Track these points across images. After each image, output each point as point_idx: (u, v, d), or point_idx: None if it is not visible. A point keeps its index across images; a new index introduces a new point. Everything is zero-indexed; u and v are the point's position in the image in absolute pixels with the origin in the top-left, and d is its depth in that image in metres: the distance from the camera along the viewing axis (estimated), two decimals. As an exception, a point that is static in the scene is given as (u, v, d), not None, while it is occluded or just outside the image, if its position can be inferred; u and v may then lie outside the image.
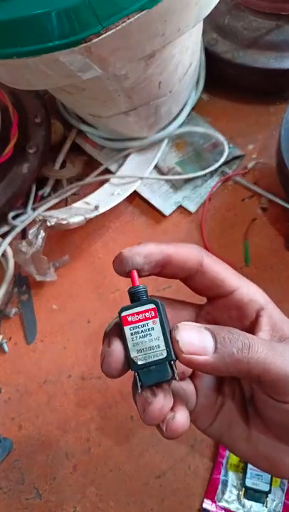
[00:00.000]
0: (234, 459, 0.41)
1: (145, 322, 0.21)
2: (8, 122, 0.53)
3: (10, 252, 0.52)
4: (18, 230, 0.54)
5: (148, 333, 0.21)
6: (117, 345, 0.22)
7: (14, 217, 0.55)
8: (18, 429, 0.46)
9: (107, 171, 0.58)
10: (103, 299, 0.51)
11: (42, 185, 0.58)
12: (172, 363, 0.21)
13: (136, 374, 0.21)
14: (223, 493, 0.39)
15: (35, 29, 0.31)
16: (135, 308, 0.22)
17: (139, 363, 0.21)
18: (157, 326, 0.21)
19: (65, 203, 0.57)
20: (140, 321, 0.22)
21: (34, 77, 0.36)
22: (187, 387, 0.25)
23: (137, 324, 0.21)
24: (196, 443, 0.42)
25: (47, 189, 0.58)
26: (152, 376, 0.21)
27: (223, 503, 0.39)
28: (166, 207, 0.54)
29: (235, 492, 0.39)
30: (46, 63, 0.34)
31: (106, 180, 0.56)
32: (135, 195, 0.55)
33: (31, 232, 0.48)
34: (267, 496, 0.39)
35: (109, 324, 0.23)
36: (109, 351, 0.22)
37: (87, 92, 0.44)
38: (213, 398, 0.26)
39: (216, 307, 0.26)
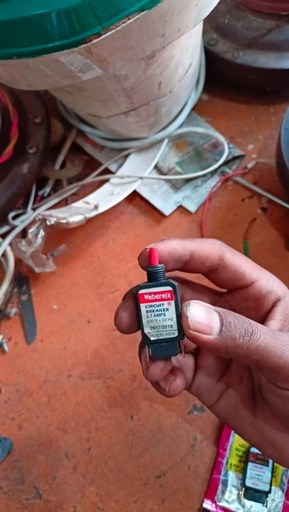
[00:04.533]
0: (234, 459, 0.41)
1: (161, 302, 0.23)
2: (8, 122, 0.53)
3: (10, 252, 0.52)
4: (18, 230, 0.54)
5: (162, 312, 0.23)
6: (131, 304, 0.24)
7: (14, 217, 0.56)
8: (18, 429, 0.46)
9: (107, 171, 0.58)
10: (103, 299, 0.51)
11: (42, 185, 0.58)
12: (181, 342, 0.23)
13: (147, 347, 0.23)
14: (223, 493, 0.39)
15: (35, 30, 0.31)
16: (153, 288, 0.23)
17: (152, 338, 0.23)
18: (172, 308, 0.23)
19: (65, 202, 0.57)
20: (156, 300, 0.23)
21: (34, 77, 0.36)
22: (186, 360, 0.27)
23: (153, 303, 0.23)
24: (196, 443, 0.43)
25: (47, 189, 0.58)
26: (162, 351, 0.23)
27: (223, 503, 0.39)
28: (166, 207, 0.54)
29: (235, 492, 0.39)
30: (46, 64, 0.34)
31: (106, 180, 0.56)
32: (135, 195, 0.55)
33: (31, 231, 0.48)
34: (267, 496, 0.39)
35: (130, 289, 0.25)
36: (124, 307, 0.24)
37: (87, 92, 0.44)
38: (215, 377, 0.27)
39: (235, 297, 0.27)
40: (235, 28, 0.54)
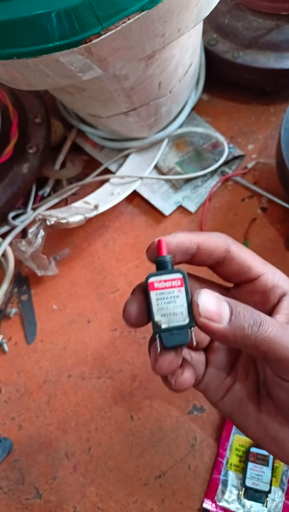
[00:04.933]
0: (234, 459, 0.41)
1: (171, 290, 0.23)
2: (8, 122, 0.53)
3: (10, 252, 0.52)
4: (18, 230, 0.54)
5: (173, 300, 0.23)
6: (140, 297, 0.24)
7: (14, 217, 0.56)
8: (18, 429, 0.46)
9: (107, 171, 0.58)
10: (103, 299, 0.51)
11: (42, 185, 0.58)
12: (191, 329, 0.23)
13: (158, 336, 0.23)
14: (223, 493, 0.39)
15: (35, 30, 0.31)
16: (163, 276, 0.23)
17: (163, 326, 0.23)
18: (182, 295, 0.23)
19: (65, 202, 0.57)
20: (167, 288, 0.23)
21: (34, 77, 0.36)
22: (198, 357, 0.27)
23: (163, 291, 0.23)
24: (196, 443, 0.43)
25: (47, 189, 0.58)
26: (173, 339, 0.23)
27: (223, 503, 0.39)
28: (166, 207, 0.54)
29: (235, 492, 0.39)
30: (46, 64, 0.34)
31: (106, 180, 0.56)
32: (135, 194, 0.55)
33: (31, 231, 0.48)
34: (267, 496, 0.39)
35: (137, 285, 0.25)
36: (132, 299, 0.24)
37: (87, 92, 0.44)
38: (224, 373, 0.27)
39: (241, 291, 0.27)
40: (235, 28, 0.54)
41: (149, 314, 0.23)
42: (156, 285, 0.23)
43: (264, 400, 0.26)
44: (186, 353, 0.27)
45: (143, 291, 0.24)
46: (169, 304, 0.23)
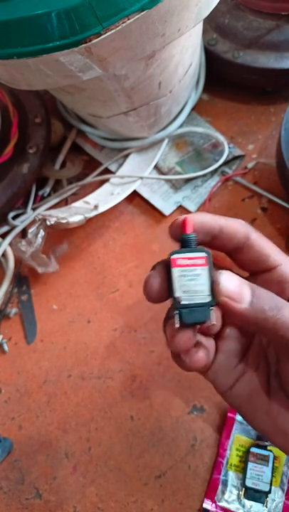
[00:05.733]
0: (234, 459, 0.41)
1: (194, 267, 0.23)
2: (8, 122, 0.53)
3: (10, 252, 0.52)
4: (18, 230, 0.54)
5: (195, 277, 0.23)
6: (162, 271, 0.24)
7: (14, 217, 0.56)
8: (18, 429, 0.46)
9: (107, 171, 0.58)
10: (103, 299, 0.51)
11: (42, 185, 0.58)
12: (211, 309, 0.23)
13: (177, 312, 0.23)
14: (223, 493, 0.39)
15: (35, 29, 0.31)
16: (187, 254, 0.23)
17: (183, 302, 0.23)
18: (205, 273, 0.23)
19: (65, 202, 0.57)
20: (189, 266, 0.23)
21: (34, 77, 0.36)
22: (208, 343, 0.27)
23: (186, 268, 0.23)
24: (196, 443, 0.43)
25: (47, 189, 0.58)
26: (192, 316, 0.23)
27: (223, 503, 0.39)
28: (166, 207, 0.54)
29: (235, 492, 0.39)
30: (46, 63, 0.34)
31: (106, 180, 0.56)
32: (135, 194, 0.55)
33: (31, 231, 0.48)
34: (267, 496, 0.39)
35: (157, 261, 0.25)
36: (154, 273, 0.24)
37: (87, 92, 0.44)
38: (234, 362, 0.27)
39: (257, 281, 0.26)
40: (235, 28, 0.54)
41: (170, 291, 0.23)
42: (178, 262, 0.23)
43: (275, 391, 0.26)
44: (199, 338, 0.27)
45: (165, 267, 0.24)
46: (191, 281, 0.23)
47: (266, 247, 0.25)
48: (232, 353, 0.27)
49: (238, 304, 0.22)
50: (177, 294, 0.23)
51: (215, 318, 0.23)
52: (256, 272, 0.26)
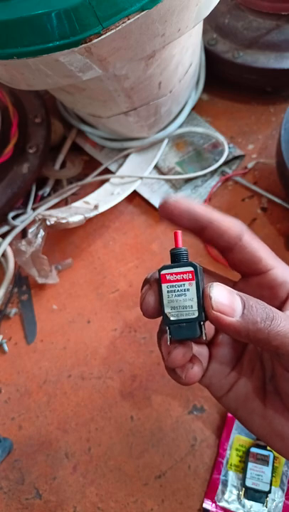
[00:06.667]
0: (234, 459, 0.41)
1: (182, 283, 0.23)
2: (8, 122, 0.53)
3: (10, 252, 0.52)
4: (18, 230, 0.54)
5: (183, 293, 0.23)
6: (157, 289, 0.23)
7: (14, 217, 0.56)
8: (18, 429, 0.46)
9: (107, 171, 0.58)
10: (103, 299, 0.51)
11: (42, 185, 0.58)
12: (202, 323, 0.23)
13: (167, 328, 0.23)
14: (223, 493, 0.39)
15: (35, 29, 0.31)
16: (175, 269, 0.23)
17: (172, 318, 0.23)
18: (193, 288, 0.23)
19: (65, 202, 0.57)
20: (178, 281, 0.23)
21: (34, 77, 0.36)
22: (201, 350, 0.27)
23: (174, 283, 0.23)
24: (196, 443, 0.43)
25: (47, 189, 0.58)
26: (182, 332, 0.23)
27: (223, 503, 0.39)
28: (166, 207, 0.54)
29: (235, 492, 0.39)
30: (46, 63, 0.34)
31: (106, 180, 0.56)
32: (135, 194, 0.55)
33: (31, 231, 0.48)
34: (267, 496, 0.39)
35: (150, 274, 0.25)
36: (151, 291, 0.24)
37: (87, 92, 0.44)
38: (228, 368, 0.27)
39: (249, 285, 0.26)
40: (235, 28, 0.54)
41: (161, 306, 0.23)
42: (167, 277, 0.23)
43: (271, 396, 0.26)
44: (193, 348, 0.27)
45: (157, 282, 0.24)
46: (179, 297, 0.23)
47: (259, 249, 0.25)
48: (226, 359, 0.27)
49: (230, 318, 0.21)
50: (166, 310, 0.23)
51: (205, 334, 0.23)
52: (248, 273, 0.26)
